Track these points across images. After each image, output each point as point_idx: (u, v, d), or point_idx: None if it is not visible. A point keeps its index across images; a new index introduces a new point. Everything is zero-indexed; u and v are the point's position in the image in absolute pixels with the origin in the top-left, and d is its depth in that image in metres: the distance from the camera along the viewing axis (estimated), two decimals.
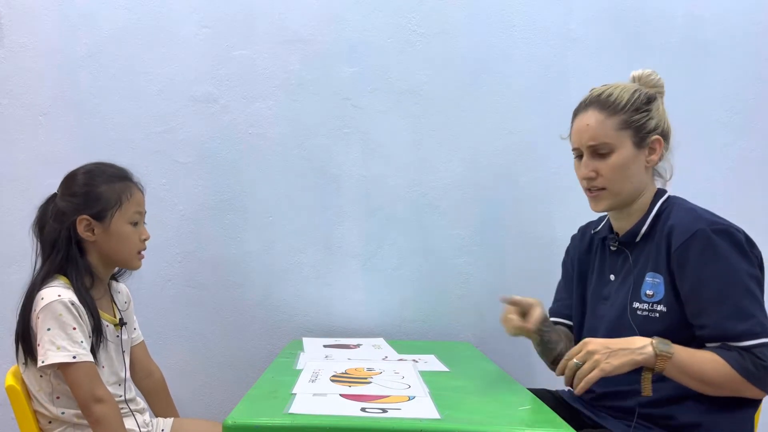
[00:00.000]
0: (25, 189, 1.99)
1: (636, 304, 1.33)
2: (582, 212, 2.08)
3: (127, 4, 2.02)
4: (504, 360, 1.73)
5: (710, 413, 1.25)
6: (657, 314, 1.30)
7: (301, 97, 2.05)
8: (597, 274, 1.48)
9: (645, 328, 1.29)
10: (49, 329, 1.29)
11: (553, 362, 1.46)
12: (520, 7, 2.06)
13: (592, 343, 1.21)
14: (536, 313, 1.41)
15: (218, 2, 2.03)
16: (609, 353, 1.19)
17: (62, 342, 1.29)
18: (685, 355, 1.21)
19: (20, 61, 2.01)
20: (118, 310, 1.50)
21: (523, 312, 1.44)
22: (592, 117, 1.36)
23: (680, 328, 1.27)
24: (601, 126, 1.34)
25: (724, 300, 1.22)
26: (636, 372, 1.24)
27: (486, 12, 2.06)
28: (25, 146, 2.01)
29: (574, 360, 1.21)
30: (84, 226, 1.39)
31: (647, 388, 1.21)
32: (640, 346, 1.20)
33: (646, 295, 1.32)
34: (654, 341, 1.21)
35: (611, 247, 1.44)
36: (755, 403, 1.29)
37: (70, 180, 1.43)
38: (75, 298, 1.33)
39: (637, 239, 1.37)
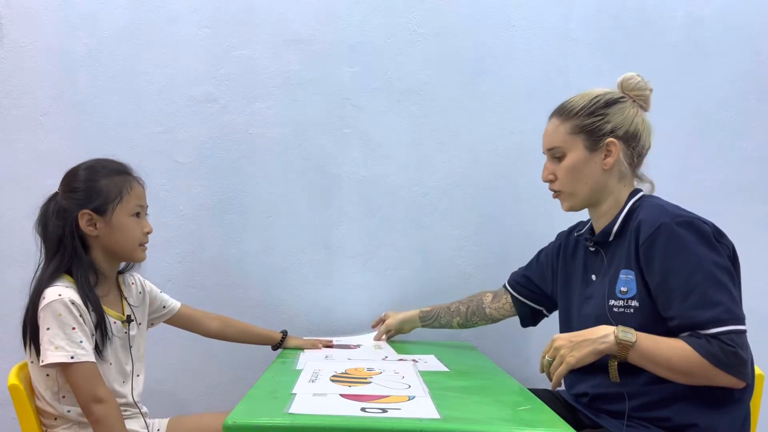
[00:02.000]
0: (25, 189, 1.99)
1: (612, 302, 1.36)
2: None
3: (127, 4, 2.02)
4: (504, 360, 1.73)
5: (705, 413, 1.25)
6: (631, 310, 1.32)
7: (301, 97, 2.05)
8: (581, 276, 1.50)
9: (623, 325, 1.30)
10: (48, 329, 1.29)
11: (461, 327, 1.85)
12: (520, 7, 2.06)
13: (558, 339, 1.30)
14: (382, 329, 1.89)
15: (218, 2, 2.03)
16: (573, 346, 1.27)
17: (61, 342, 1.29)
18: (650, 343, 1.24)
19: (20, 61, 2.01)
20: (129, 305, 1.49)
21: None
22: (551, 124, 1.47)
23: (655, 323, 1.28)
24: (555, 131, 1.44)
25: (691, 290, 1.23)
26: (628, 374, 1.28)
27: (486, 12, 2.06)
28: (25, 146, 2.01)
29: (546, 357, 1.30)
30: (86, 220, 1.38)
31: (614, 375, 1.27)
32: (602, 335, 1.26)
33: (620, 291, 1.34)
34: (617, 329, 1.25)
35: (589, 248, 1.47)
36: (746, 398, 1.29)
37: (70, 177, 1.43)
38: (76, 297, 1.33)
39: (611, 238, 1.40)
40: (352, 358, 1.63)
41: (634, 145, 1.40)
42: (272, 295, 2.06)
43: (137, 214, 1.44)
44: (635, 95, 1.43)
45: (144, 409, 1.51)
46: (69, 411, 1.36)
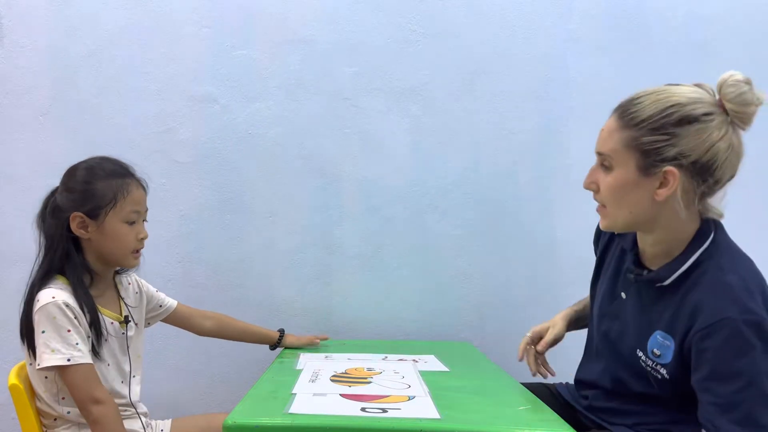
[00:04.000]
0: (25, 189, 1.99)
1: (640, 354, 1.21)
2: (582, 211, 2.08)
3: (127, 4, 2.02)
4: (504, 360, 1.73)
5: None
6: (659, 376, 1.18)
7: (301, 97, 2.05)
8: (609, 281, 1.34)
9: (653, 381, 1.21)
10: (43, 332, 1.28)
11: None
12: (520, 7, 2.06)
13: None
14: (548, 337, 1.45)
15: (218, 2, 2.03)
16: None
17: (56, 345, 1.27)
18: None
19: (20, 61, 2.01)
20: (126, 305, 1.47)
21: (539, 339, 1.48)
22: (608, 124, 1.19)
23: (686, 392, 1.13)
24: (609, 136, 1.17)
25: (736, 404, 1.05)
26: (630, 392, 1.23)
27: (486, 12, 2.06)
28: (25, 146, 2.01)
29: None
30: (77, 223, 1.36)
31: None
32: None
33: (652, 353, 1.18)
34: None
35: (628, 274, 1.26)
36: None
37: (69, 174, 1.40)
38: (70, 299, 1.31)
39: (657, 285, 1.18)
40: (352, 358, 1.63)
41: (706, 177, 1.12)
42: (272, 295, 2.06)
43: (132, 222, 1.39)
44: (733, 110, 1.12)
45: (142, 410, 1.50)
46: (69, 412, 1.35)
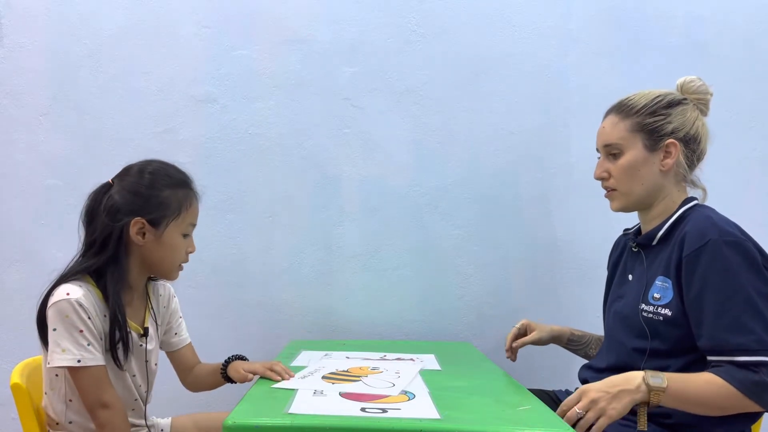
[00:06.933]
0: (25, 189, 1.99)
1: (643, 306, 1.35)
2: (582, 212, 2.09)
3: (127, 4, 2.02)
4: (504, 360, 1.73)
5: (708, 417, 1.24)
6: (661, 317, 1.31)
7: (301, 97, 2.05)
8: (620, 274, 1.52)
9: (651, 330, 1.32)
10: (54, 329, 1.25)
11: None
12: (520, 7, 2.06)
13: (591, 391, 1.21)
14: (527, 339, 1.67)
15: (218, 2, 2.03)
16: (611, 397, 1.19)
17: (67, 344, 1.24)
18: (680, 384, 1.21)
19: (20, 61, 2.01)
20: (152, 317, 1.42)
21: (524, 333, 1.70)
22: (608, 121, 1.43)
23: (685, 333, 1.28)
24: (613, 128, 1.40)
25: (724, 312, 1.22)
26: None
27: (486, 12, 2.06)
28: (25, 146, 2.01)
29: (576, 410, 1.20)
30: (137, 229, 1.31)
31: (643, 423, 1.21)
32: (636, 385, 1.20)
33: (653, 297, 1.33)
34: (645, 375, 1.21)
35: (632, 249, 1.46)
36: (755, 415, 1.29)
37: (134, 177, 1.34)
38: (84, 300, 1.26)
39: (654, 242, 1.39)
40: (350, 357, 1.63)
41: (694, 148, 1.39)
42: (272, 295, 2.06)
43: (186, 234, 1.37)
44: (696, 99, 1.41)
45: (152, 420, 1.49)
46: (71, 422, 1.32)
